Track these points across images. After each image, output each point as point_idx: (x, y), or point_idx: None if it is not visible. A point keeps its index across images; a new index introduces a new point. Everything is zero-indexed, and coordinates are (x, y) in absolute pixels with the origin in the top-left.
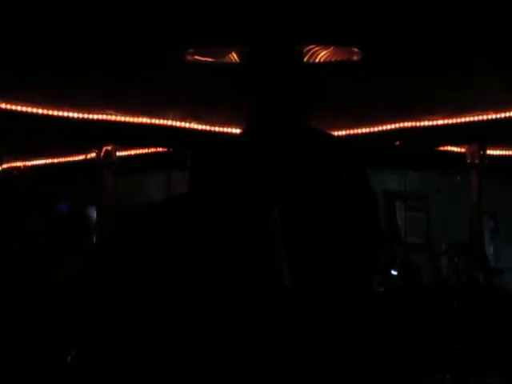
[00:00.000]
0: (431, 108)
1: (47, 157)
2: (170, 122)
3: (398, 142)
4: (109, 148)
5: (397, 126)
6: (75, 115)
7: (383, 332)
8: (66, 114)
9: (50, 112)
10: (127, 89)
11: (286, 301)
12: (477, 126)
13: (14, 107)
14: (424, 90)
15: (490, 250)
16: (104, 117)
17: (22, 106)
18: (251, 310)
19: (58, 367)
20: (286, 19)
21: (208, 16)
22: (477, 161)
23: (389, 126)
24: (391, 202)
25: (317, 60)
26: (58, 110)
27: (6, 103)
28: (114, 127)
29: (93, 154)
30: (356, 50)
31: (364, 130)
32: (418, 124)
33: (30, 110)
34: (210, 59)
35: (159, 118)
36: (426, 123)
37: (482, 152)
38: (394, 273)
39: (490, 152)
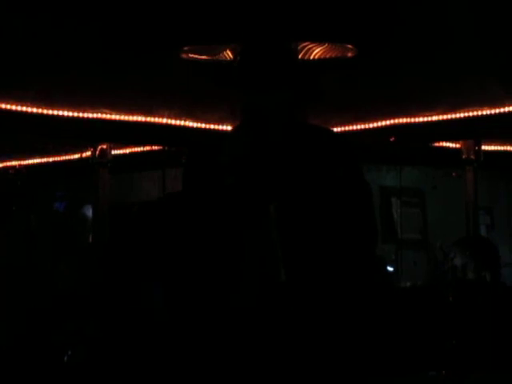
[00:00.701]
0: (426, 104)
1: (42, 156)
2: (165, 120)
3: (393, 138)
4: (104, 146)
5: (392, 122)
6: (70, 114)
7: (379, 328)
8: (60, 112)
9: (45, 111)
10: (122, 87)
11: (283, 297)
12: (472, 122)
13: (7, 106)
14: (419, 85)
15: None
16: (99, 115)
17: (16, 105)
18: (247, 307)
19: (54, 367)
20: (280, 16)
21: (202, 13)
22: (472, 156)
23: (384, 123)
24: (387, 199)
25: (311, 57)
26: (53, 109)
27: (0, 103)
28: (109, 126)
29: (88, 153)
30: (351, 46)
31: (359, 127)
32: (413, 120)
33: (24, 109)
34: (204, 57)
35: (154, 116)
36: (421, 119)
37: (477, 148)
38: (390, 269)
39: (485, 148)
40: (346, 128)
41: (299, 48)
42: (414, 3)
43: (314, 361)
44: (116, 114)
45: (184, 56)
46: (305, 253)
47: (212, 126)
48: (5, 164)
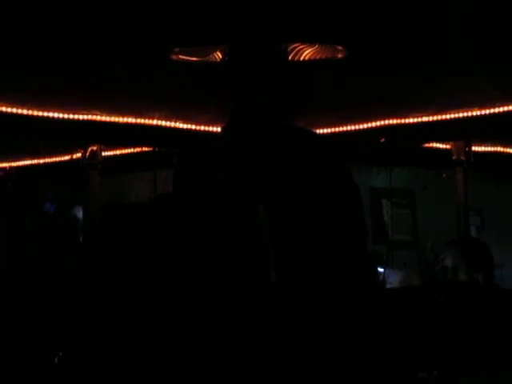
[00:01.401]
0: (417, 105)
1: (33, 157)
2: (155, 122)
3: (383, 139)
4: (94, 148)
5: (382, 123)
6: (60, 115)
7: (369, 330)
8: (50, 114)
9: (36, 112)
10: (112, 89)
11: (273, 298)
12: (462, 123)
13: None
14: (409, 86)
15: None
16: (89, 117)
17: (6, 106)
18: (238, 308)
19: (45, 367)
20: (270, 17)
21: (191, 15)
22: (462, 157)
23: (374, 124)
24: (377, 200)
25: (301, 58)
26: (43, 111)
27: None
28: (100, 127)
29: (78, 154)
30: (340, 47)
31: (349, 128)
32: (403, 121)
33: (14, 110)
34: (194, 58)
35: (144, 117)
36: (412, 120)
37: (467, 149)
38: (381, 270)
39: (475, 149)
40: (336, 129)
41: (289, 49)
42: (405, 3)
43: (304, 361)
44: (106, 116)
45: (174, 57)
46: (294, 254)
47: (202, 128)
48: None
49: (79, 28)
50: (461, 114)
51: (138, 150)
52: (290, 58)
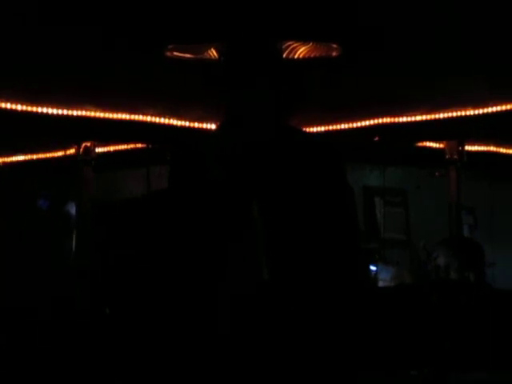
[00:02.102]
0: (410, 104)
1: (25, 153)
2: (149, 118)
3: (376, 138)
4: (88, 144)
5: (375, 121)
6: (54, 111)
7: (362, 328)
8: (44, 110)
9: (29, 108)
10: (106, 85)
11: (265, 296)
12: (456, 122)
13: None
14: (403, 85)
15: None
16: (83, 113)
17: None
18: (230, 306)
19: (37, 371)
20: (265, 15)
21: (187, 12)
22: (456, 157)
23: (367, 122)
24: (370, 198)
25: (296, 56)
26: (37, 107)
27: None
28: (93, 123)
29: (72, 151)
30: (335, 46)
31: (343, 126)
32: (396, 120)
33: (8, 106)
34: (189, 55)
35: (138, 114)
36: (405, 119)
37: (460, 148)
38: (373, 268)
39: (468, 148)
40: (330, 127)
41: (284, 47)
42: (400, 3)
43: (296, 359)
44: (100, 112)
45: (168, 54)
46: (287, 252)
47: (196, 125)
48: None
49: (73, 25)
50: (454, 114)
51: (131, 146)
52: (285, 56)
